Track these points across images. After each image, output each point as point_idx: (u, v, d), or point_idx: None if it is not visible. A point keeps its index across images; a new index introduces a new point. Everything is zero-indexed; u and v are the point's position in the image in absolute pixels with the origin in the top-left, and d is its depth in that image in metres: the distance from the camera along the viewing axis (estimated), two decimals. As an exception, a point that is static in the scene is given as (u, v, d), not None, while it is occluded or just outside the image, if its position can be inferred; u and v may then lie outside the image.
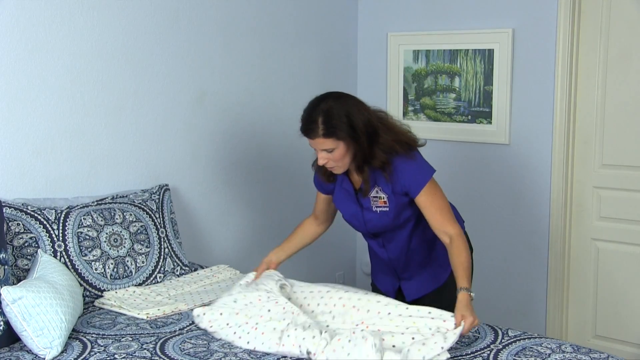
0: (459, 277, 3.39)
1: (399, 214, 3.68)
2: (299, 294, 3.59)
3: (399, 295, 3.99)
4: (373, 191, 3.65)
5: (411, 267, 3.89)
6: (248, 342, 3.27)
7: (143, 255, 4.07)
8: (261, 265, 3.91)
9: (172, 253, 4.23)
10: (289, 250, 4.03)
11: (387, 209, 3.66)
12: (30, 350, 3.16)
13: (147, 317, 3.59)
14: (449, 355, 3.03)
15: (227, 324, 3.41)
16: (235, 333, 3.34)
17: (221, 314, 3.46)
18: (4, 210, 3.65)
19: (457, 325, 3.16)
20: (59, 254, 3.75)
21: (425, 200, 3.57)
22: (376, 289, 4.12)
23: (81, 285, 3.76)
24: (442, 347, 3.02)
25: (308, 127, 3.44)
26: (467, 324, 3.16)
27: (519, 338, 3.31)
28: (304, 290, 3.60)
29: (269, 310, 3.41)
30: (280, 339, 3.21)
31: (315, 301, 3.50)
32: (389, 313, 3.30)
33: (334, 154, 3.46)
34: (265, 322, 3.32)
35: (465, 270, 3.41)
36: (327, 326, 3.31)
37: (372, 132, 3.48)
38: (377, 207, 3.68)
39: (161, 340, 3.30)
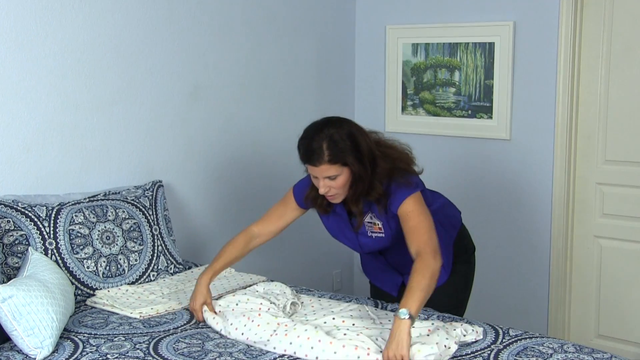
0: (404, 295, 3.15)
1: (395, 238, 3.65)
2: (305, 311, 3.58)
3: (403, 289, 3.96)
4: (367, 217, 3.63)
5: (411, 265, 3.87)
6: (242, 334, 3.30)
7: (136, 253, 4.07)
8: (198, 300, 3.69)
9: (166, 251, 4.23)
10: (219, 270, 3.79)
11: (383, 235, 3.65)
12: (20, 350, 3.15)
13: (140, 316, 3.59)
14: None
15: (224, 314, 3.46)
16: (232, 324, 3.37)
17: (219, 311, 3.52)
18: (-7, 207, 3.65)
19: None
20: (50, 251, 3.75)
21: (402, 215, 3.45)
22: (375, 288, 4.12)
23: (73, 283, 3.76)
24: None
25: (312, 154, 3.36)
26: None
27: (520, 338, 3.31)
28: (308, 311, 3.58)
29: (268, 310, 3.45)
30: (275, 330, 3.23)
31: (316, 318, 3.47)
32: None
33: (336, 181, 3.40)
34: (260, 317, 3.34)
35: (410, 288, 3.16)
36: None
37: (372, 160, 3.44)
38: (372, 232, 3.66)
39: (154, 340, 3.31)
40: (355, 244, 3.77)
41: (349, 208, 3.65)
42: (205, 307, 3.58)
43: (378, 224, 3.62)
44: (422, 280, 3.17)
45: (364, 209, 3.57)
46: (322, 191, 3.44)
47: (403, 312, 3.04)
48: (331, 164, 3.35)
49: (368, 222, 3.63)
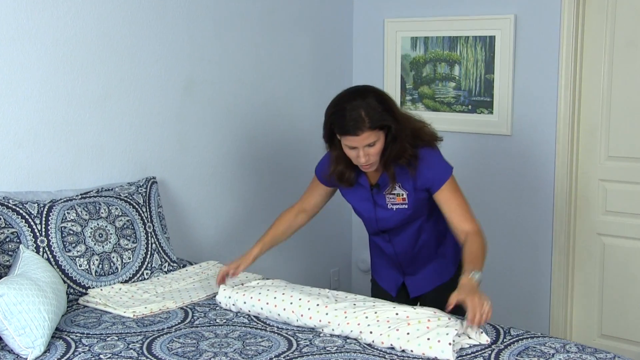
0: (465, 263, 3.46)
1: (417, 210, 3.75)
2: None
3: (402, 291, 4.00)
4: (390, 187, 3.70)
5: (418, 261, 3.92)
6: (267, 303, 3.57)
7: (129, 251, 4.07)
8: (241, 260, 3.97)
9: (160, 249, 4.23)
10: (270, 244, 4.08)
11: (406, 206, 3.72)
12: (11, 350, 3.16)
13: (134, 315, 3.59)
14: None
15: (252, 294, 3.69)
16: (259, 294, 3.63)
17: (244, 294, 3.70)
18: (-16, 204, 3.65)
19: (448, 308, 3.27)
20: (41, 249, 3.75)
21: (444, 197, 3.65)
22: (376, 285, 4.13)
23: (65, 282, 3.75)
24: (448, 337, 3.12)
25: (352, 124, 3.46)
26: (470, 304, 3.23)
27: (521, 337, 3.31)
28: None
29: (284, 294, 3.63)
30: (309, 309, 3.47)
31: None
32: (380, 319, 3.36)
33: (375, 148, 3.51)
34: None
35: (472, 256, 3.48)
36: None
37: (402, 121, 3.59)
38: (393, 204, 3.73)
39: (148, 340, 3.31)
40: (372, 217, 3.83)
41: (371, 180, 3.76)
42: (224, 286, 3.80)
43: (402, 194, 3.70)
44: (475, 248, 3.51)
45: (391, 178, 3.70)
46: (363, 160, 3.54)
47: (476, 273, 3.38)
48: (372, 129, 3.46)
49: (391, 194, 3.71)
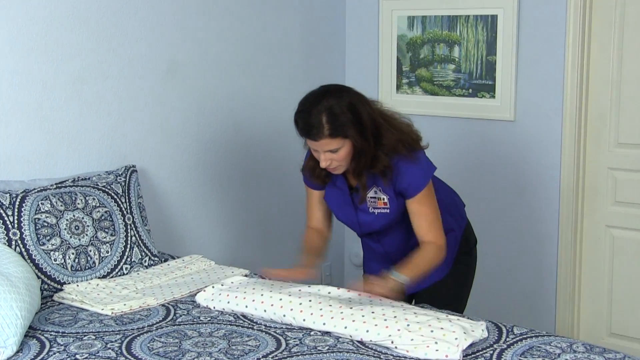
0: (403, 264, 3.60)
1: (400, 215, 3.75)
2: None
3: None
4: (371, 191, 3.69)
5: None
6: (253, 300, 3.55)
7: (107, 244, 4.06)
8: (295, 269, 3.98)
9: (140, 242, 4.23)
10: (315, 259, 4.05)
11: (388, 210, 3.72)
12: (-19, 350, 3.16)
13: (112, 312, 3.58)
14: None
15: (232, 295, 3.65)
16: (244, 292, 3.60)
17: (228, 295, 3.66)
18: (-49, 194, 3.64)
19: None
20: (14, 242, 3.74)
21: (415, 208, 3.67)
22: (369, 282, 4.14)
23: (39, 277, 3.75)
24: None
25: (311, 129, 3.46)
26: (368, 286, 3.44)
27: (525, 336, 3.31)
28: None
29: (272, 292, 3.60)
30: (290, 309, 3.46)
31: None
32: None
33: (338, 154, 3.50)
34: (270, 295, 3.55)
35: (411, 260, 3.60)
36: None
37: (376, 131, 3.53)
38: (374, 208, 3.72)
39: (127, 339, 3.30)
40: (354, 221, 3.84)
41: (350, 182, 3.74)
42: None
43: (383, 199, 3.69)
44: (424, 261, 3.61)
45: (367, 182, 3.66)
46: (323, 165, 3.54)
47: (396, 274, 3.55)
48: (332, 138, 3.45)
49: (372, 198, 3.70)
